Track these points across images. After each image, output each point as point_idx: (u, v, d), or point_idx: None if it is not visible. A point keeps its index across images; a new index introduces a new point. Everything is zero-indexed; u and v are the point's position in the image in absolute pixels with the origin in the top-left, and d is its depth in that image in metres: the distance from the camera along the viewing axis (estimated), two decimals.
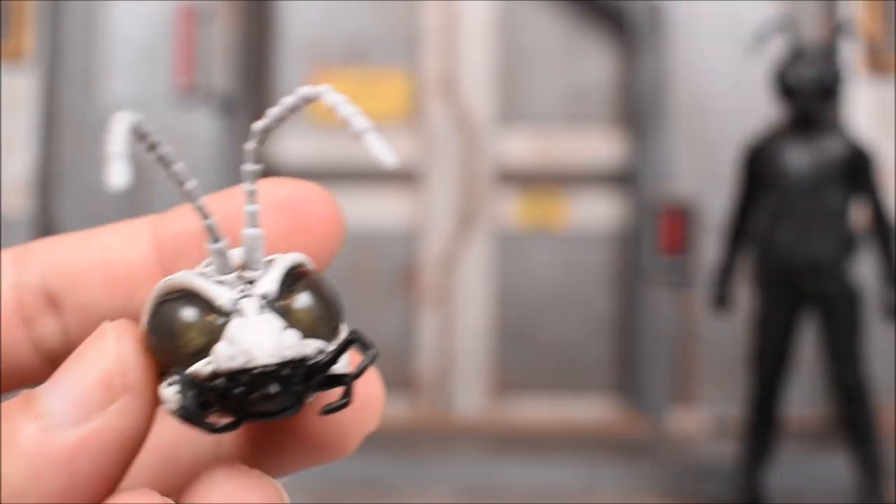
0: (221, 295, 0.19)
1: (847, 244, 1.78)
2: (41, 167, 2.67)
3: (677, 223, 2.67)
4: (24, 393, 0.18)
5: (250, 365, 0.18)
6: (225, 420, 0.19)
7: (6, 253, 0.21)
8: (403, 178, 2.97)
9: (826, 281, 1.77)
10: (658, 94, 2.76)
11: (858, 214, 1.90)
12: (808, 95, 1.77)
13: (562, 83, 2.99)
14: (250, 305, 0.19)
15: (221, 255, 0.19)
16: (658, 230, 2.70)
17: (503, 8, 2.98)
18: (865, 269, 2.06)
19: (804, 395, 2.46)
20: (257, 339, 0.18)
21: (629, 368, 2.87)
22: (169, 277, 0.19)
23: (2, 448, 0.17)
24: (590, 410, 2.85)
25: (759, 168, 1.82)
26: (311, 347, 0.19)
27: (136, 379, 0.18)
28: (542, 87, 3.00)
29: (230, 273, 0.19)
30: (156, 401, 0.19)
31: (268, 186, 0.21)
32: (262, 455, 0.21)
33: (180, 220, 0.21)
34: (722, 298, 1.86)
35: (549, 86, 3.00)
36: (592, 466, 2.23)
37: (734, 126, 2.56)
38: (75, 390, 0.18)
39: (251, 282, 0.19)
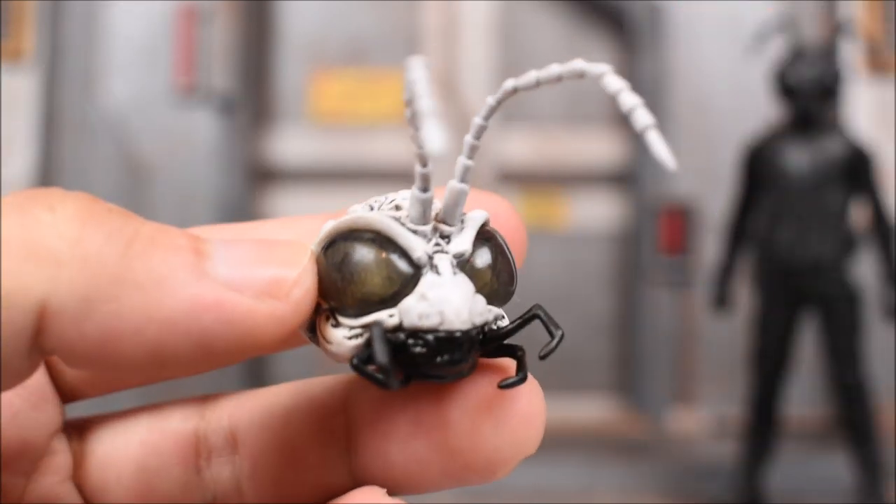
0: (418, 246, 0.18)
1: (847, 244, 1.78)
2: (41, 167, 2.67)
3: (677, 223, 2.67)
4: (191, 231, 0.17)
5: (443, 327, 0.17)
6: (388, 375, 0.17)
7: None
8: (403, 178, 2.97)
9: (826, 281, 1.77)
10: (658, 94, 2.77)
11: (858, 214, 1.90)
12: (808, 95, 1.77)
13: (562, 83, 2.99)
14: (445, 263, 0.18)
15: (425, 204, 0.18)
16: (658, 230, 2.71)
17: (503, 8, 2.99)
18: (865, 269, 2.06)
19: (804, 395, 2.46)
20: (453, 302, 0.17)
21: (629, 368, 2.87)
22: (362, 214, 0.18)
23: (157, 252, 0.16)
24: (590, 410, 2.85)
25: (759, 168, 1.82)
26: (493, 314, 0.18)
27: (302, 298, 0.17)
28: (542, 88, 2.99)
29: (426, 224, 0.18)
30: (298, 328, 0.17)
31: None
32: (402, 469, 0.19)
33: None
34: (722, 298, 1.86)
35: (549, 86, 3.00)
36: (592, 466, 2.23)
37: (734, 126, 2.56)
38: (247, 264, 0.17)
39: (445, 236, 0.18)
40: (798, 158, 1.78)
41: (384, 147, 2.99)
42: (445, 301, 0.17)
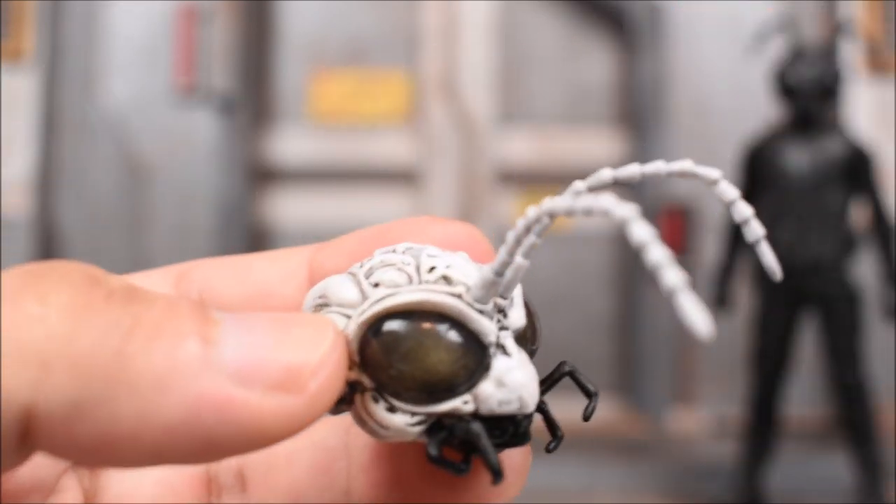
0: (491, 330, 0.17)
1: (847, 244, 1.78)
2: (41, 167, 2.67)
3: (677, 223, 2.67)
4: (201, 305, 0.16)
5: (522, 412, 0.17)
6: (450, 456, 0.17)
7: None
8: (403, 178, 2.98)
9: (826, 281, 1.77)
10: (658, 94, 2.77)
11: (858, 214, 1.90)
12: (808, 95, 1.77)
13: (562, 83, 2.99)
14: (511, 343, 0.17)
15: (496, 286, 0.17)
16: (658, 230, 2.70)
17: (503, 8, 2.99)
18: (865, 269, 2.06)
19: (804, 395, 2.46)
20: (529, 386, 0.17)
21: (629, 368, 2.87)
22: (425, 296, 0.17)
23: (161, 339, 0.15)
24: None
25: (758, 168, 1.82)
26: None
27: (320, 390, 0.16)
28: (542, 87, 3.00)
29: (489, 303, 0.17)
30: (315, 417, 0.16)
31: (433, 225, 0.20)
32: None
33: None
34: (722, 298, 1.86)
35: (549, 86, 3.01)
36: (592, 466, 2.23)
37: (734, 126, 2.56)
38: (260, 349, 0.15)
39: (501, 310, 0.18)
40: (798, 158, 1.78)
41: (384, 147, 2.99)
42: (523, 386, 0.17)
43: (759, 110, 2.47)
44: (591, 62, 2.98)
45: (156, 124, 2.74)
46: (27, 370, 0.14)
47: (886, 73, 2.63)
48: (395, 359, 0.17)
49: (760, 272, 1.86)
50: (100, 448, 0.15)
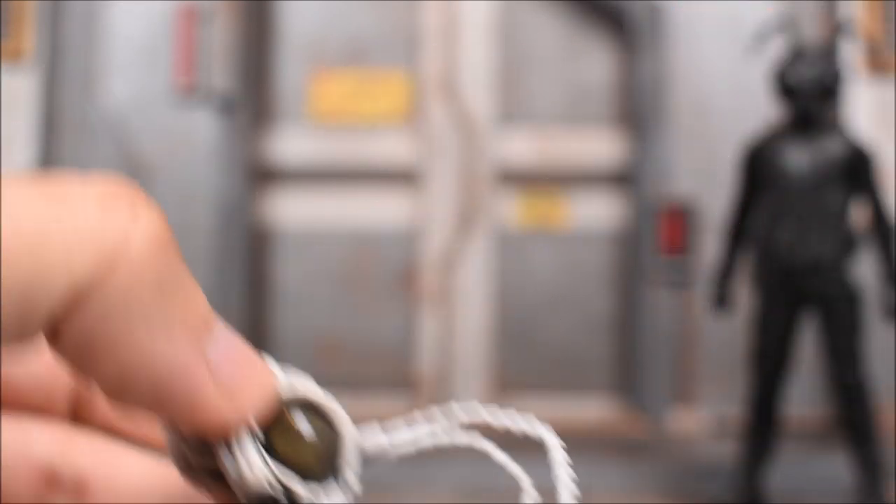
0: (353, 479, 0.20)
1: (847, 244, 1.78)
2: (41, 167, 2.67)
3: (677, 223, 2.67)
4: (210, 313, 0.19)
5: None
6: None
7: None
8: (403, 178, 2.98)
9: (826, 281, 1.77)
10: (658, 94, 2.77)
11: (858, 214, 1.90)
12: (808, 95, 1.77)
13: (562, 83, 2.99)
14: (353, 494, 0.20)
15: (381, 452, 0.20)
16: (658, 230, 2.71)
17: (503, 8, 2.99)
18: (865, 269, 2.06)
19: (804, 395, 2.46)
20: None
21: (629, 368, 2.87)
22: (341, 414, 0.20)
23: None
24: (590, 410, 2.86)
25: (759, 168, 1.82)
26: None
27: (245, 413, 0.19)
28: (542, 87, 3.00)
29: (364, 456, 0.20)
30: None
31: None
32: None
33: None
34: (722, 298, 1.86)
35: (549, 86, 3.01)
36: (592, 466, 2.23)
37: (734, 126, 2.56)
38: (235, 356, 0.19)
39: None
40: (798, 158, 1.78)
41: (384, 147, 2.99)
42: None
43: (759, 110, 2.47)
44: (591, 62, 2.98)
45: (156, 124, 2.75)
46: (97, 260, 0.16)
47: (886, 73, 2.63)
48: (297, 425, 0.19)
49: (760, 272, 1.86)
50: (94, 351, 0.17)
